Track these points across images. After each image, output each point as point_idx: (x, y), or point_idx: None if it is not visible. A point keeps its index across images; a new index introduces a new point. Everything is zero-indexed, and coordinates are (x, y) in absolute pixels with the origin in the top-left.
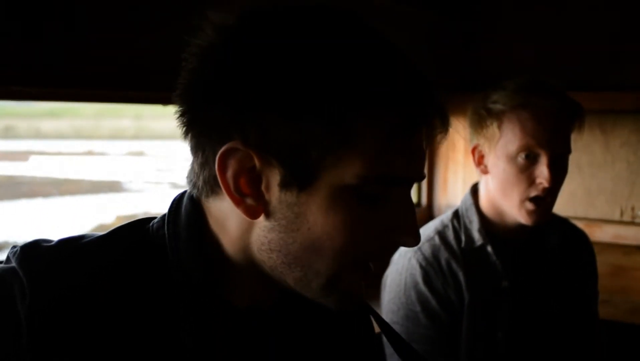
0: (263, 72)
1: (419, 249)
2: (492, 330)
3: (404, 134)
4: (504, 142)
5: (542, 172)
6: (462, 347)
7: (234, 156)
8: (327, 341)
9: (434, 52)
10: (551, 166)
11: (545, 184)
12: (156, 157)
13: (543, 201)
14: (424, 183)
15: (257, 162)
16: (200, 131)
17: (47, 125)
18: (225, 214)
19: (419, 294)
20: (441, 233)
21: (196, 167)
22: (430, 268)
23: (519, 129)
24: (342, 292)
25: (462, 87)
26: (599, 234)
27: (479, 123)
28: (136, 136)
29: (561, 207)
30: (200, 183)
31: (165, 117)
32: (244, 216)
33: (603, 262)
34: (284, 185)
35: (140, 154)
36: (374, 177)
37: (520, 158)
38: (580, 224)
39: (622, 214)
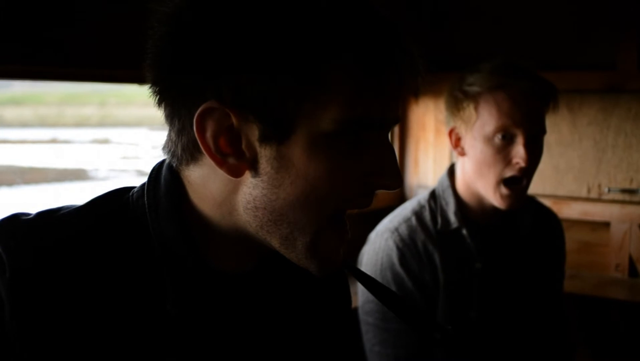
0: (233, 31)
1: (396, 230)
2: (466, 310)
3: (374, 76)
4: (481, 124)
5: (519, 152)
6: None
7: (211, 116)
8: (305, 306)
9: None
10: (527, 146)
11: (522, 163)
12: (121, 144)
13: (519, 184)
14: None
15: (234, 120)
16: (174, 97)
17: (9, 113)
18: (206, 180)
19: (395, 274)
20: (418, 214)
21: (173, 135)
22: (407, 250)
23: (495, 109)
24: (322, 257)
25: (432, 67)
26: (566, 211)
27: (455, 105)
28: (101, 124)
29: (530, 185)
30: (179, 150)
31: (129, 104)
32: (228, 177)
33: (571, 238)
34: (263, 140)
35: (105, 141)
36: (350, 120)
37: (497, 139)
38: (548, 202)
39: (589, 191)
